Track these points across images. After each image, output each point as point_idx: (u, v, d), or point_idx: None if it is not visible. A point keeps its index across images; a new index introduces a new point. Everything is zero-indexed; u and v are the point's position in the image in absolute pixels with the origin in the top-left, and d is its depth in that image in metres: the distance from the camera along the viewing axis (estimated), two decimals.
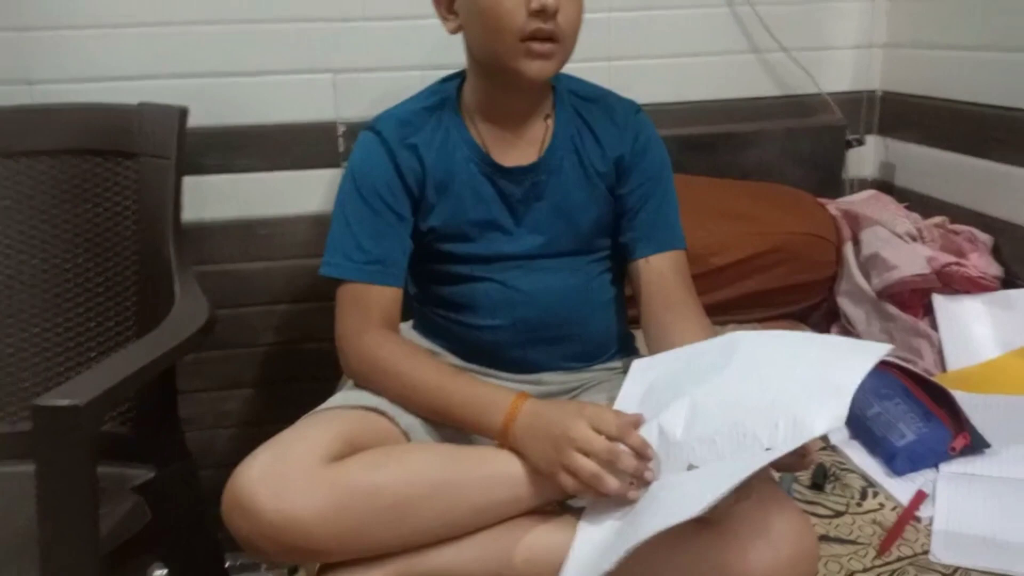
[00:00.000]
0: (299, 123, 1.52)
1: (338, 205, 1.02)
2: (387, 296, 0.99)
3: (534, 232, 1.05)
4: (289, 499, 0.78)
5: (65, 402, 0.84)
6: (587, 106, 1.08)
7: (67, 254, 1.27)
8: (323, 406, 0.96)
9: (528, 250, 1.05)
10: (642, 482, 0.81)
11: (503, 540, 0.84)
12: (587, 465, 0.80)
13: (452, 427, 0.94)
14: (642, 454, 0.81)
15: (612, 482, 0.79)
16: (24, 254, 1.27)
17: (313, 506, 0.79)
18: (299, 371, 1.64)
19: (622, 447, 0.80)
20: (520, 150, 1.04)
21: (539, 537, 0.84)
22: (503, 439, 0.88)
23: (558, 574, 0.81)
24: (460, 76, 1.07)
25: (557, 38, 0.93)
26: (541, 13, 0.91)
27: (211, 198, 1.53)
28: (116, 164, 1.27)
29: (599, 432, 0.81)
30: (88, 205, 1.28)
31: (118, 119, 1.27)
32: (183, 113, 1.27)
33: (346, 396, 0.97)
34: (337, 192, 1.03)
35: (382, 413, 0.92)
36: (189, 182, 1.35)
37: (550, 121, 1.05)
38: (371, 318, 0.98)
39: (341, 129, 1.53)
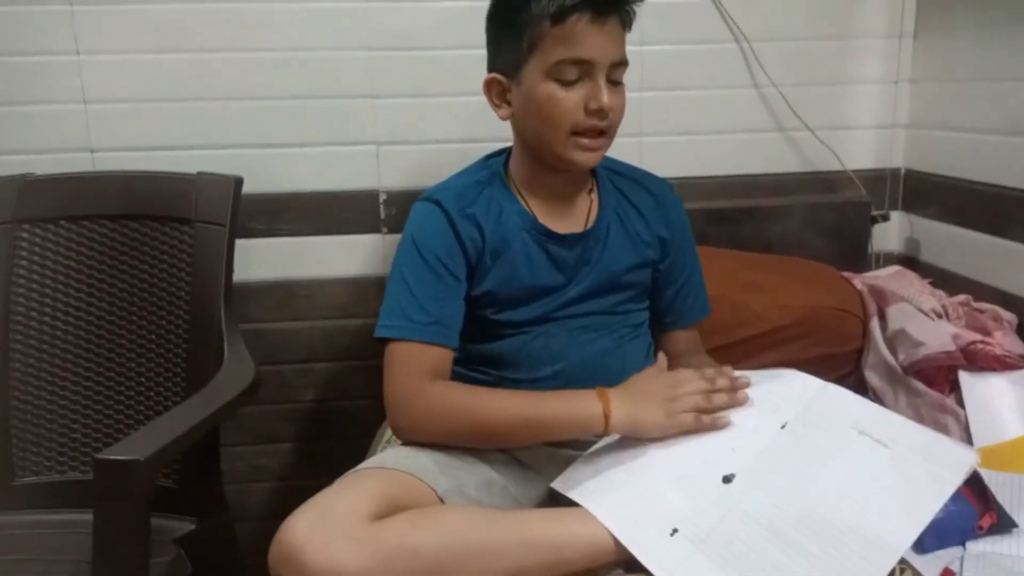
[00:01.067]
0: (343, 191, 1.60)
1: (396, 271, 1.07)
2: (444, 356, 1.04)
3: (579, 294, 1.12)
4: (335, 555, 0.81)
5: (127, 457, 0.89)
6: (625, 182, 1.18)
7: (123, 312, 1.34)
8: (362, 465, 0.99)
9: (572, 311, 1.11)
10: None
11: None
12: (696, 388, 0.97)
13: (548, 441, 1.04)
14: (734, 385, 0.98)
15: (720, 397, 0.97)
16: (82, 311, 1.34)
17: (357, 563, 0.82)
18: (333, 428, 1.68)
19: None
20: (569, 220, 1.12)
21: None
22: (607, 422, 0.97)
23: None
24: (504, 153, 1.16)
25: (606, 133, 1.03)
26: (598, 112, 1.01)
27: (256, 260, 1.61)
28: (173, 229, 1.35)
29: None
30: (144, 267, 1.36)
31: (177, 187, 1.36)
32: (238, 183, 1.35)
33: (384, 458, 1.00)
34: (395, 260, 1.08)
35: (419, 478, 0.95)
36: (237, 244, 1.42)
37: (593, 195, 1.14)
38: (427, 375, 1.02)
39: (383, 197, 1.61)
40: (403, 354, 1.03)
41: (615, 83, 1.04)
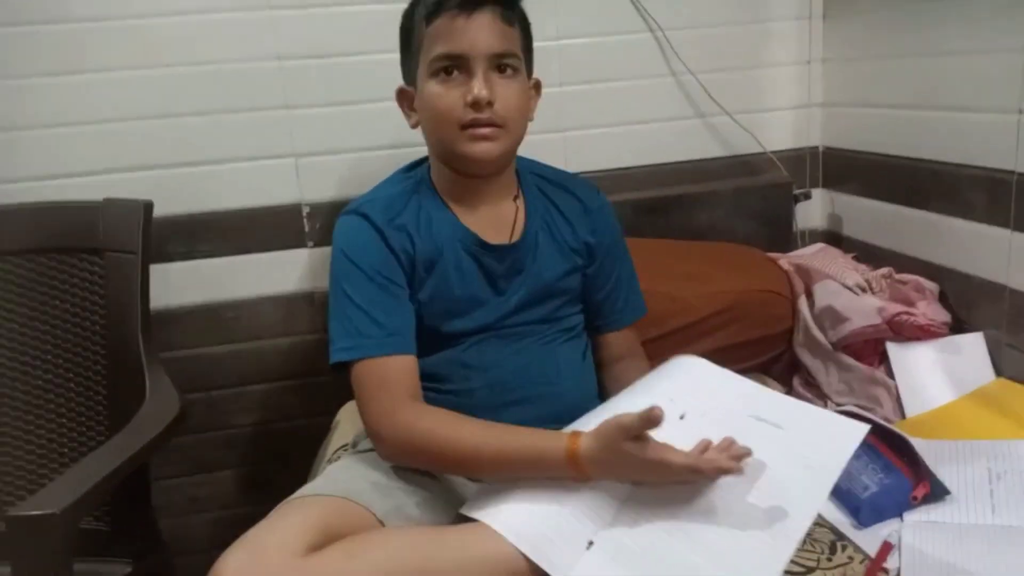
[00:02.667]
0: (263, 207, 1.55)
1: (337, 290, 1.04)
2: (408, 365, 1.02)
3: (512, 304, 1.10)
4: None
5: (39, 512, 0.84)
6: (552, 188, 1.17)
7: (36, 351, 1.27)
8: (297, 494, 0.96)
9: (505, 321, 1.10)
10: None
11: None
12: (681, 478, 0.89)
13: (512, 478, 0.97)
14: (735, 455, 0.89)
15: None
16: None
17: None
18: (272, 451, 1.64)
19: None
20: (496, 230, 1.10)
21: None
22: (575, 470, 0.91)
23: None
24: (425, 161, 1.14)
25: (497, 123, 1.02)
26: (475, 104, 1.00)
27: (177, 284, 1.55)
28: (81, 260, 1.29)
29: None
30: (55, 302, 1.29)
31: (83, 216, 1.29)
32: (148, 207, 1.30)
33: (320, 484, 0.98)
34: (332, 280, 1.05)
35: (356, 502, 0.93)
36: (155, 270, 1.37)
37: (519, 202, 1.12)
38: (399, 393, 0.99)
39: (306, 210, 1.57)
40: (368, 375, 1.00)
41: (505, 76, 1.03)
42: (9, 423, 1.26)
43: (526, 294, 1.11)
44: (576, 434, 0.92)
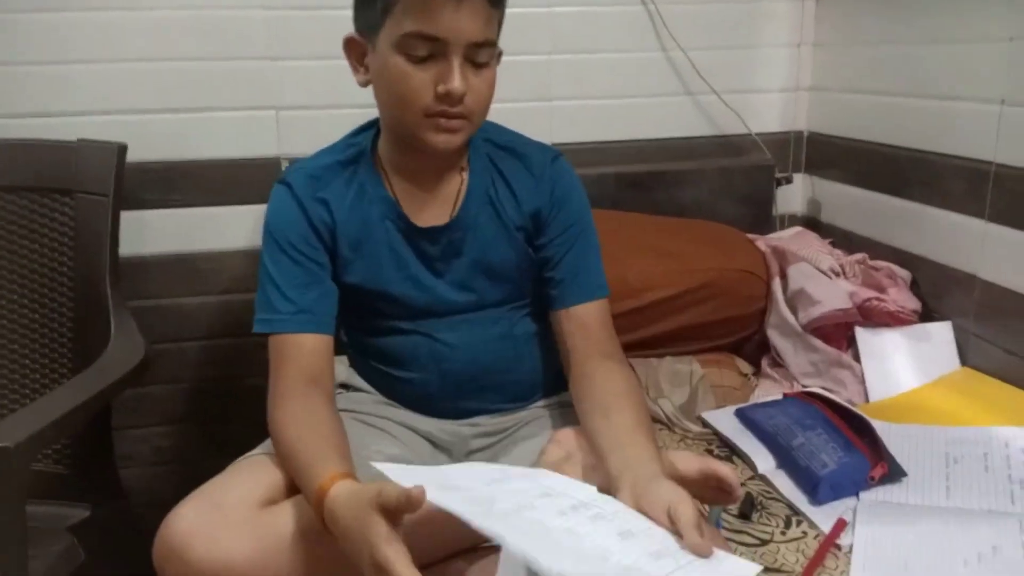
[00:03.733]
0: (242, 159, 1.53)
1: (261, 262, 1.01)
2: (317, 344, 0.98)
3: (455, 287, 1.05)
4: (224, 545, 0.79)
5: None
6: (502, 155, 1.06)
7: (2, 290, 1.25)
8: (252, 452, 0.96)
9: (449, 305, 1.05)
10: None
11: None
12: None
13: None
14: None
15: None
16: None
17: (245, 552, 0.80)
18: (237, 407, 1.63)
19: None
20: (434, 208, 1.03)
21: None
22: (318, 512, 0.79)
23: None
24: (375, 126, 1.06)
25: (464, 115, 0.93)
26: (447, 96, 0.90)
27: (150, 233, 1.53)
28: (53, 201, 1.27)
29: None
30: (24, 241, 1.27)
31: (56, 156, 1.27)
32: (122, 150, 1.27)
33: None
34: (261, 250, 1.02)
35: None
36: (128, 216, 1.35)
37: (465, 174, 1.04)
38: (295, 375, 0.95)
39: (284, 164, 1.55)
40: (277, 349, 0.97)
41: (479, 65, 0.92)
42: None
43: (467, 275, 1.04)
44: (342, 476, 0.79)
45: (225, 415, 1.63)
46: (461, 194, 1.03)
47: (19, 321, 1.26)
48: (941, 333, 1.36)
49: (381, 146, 1.04)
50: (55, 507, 1.16)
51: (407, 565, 0.68)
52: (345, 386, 1.14)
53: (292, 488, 0.87)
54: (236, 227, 1.56)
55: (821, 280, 1.40)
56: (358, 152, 1.04)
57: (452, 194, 1.04)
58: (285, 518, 0.83)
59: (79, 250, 1.26)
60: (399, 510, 0.69)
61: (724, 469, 0.82)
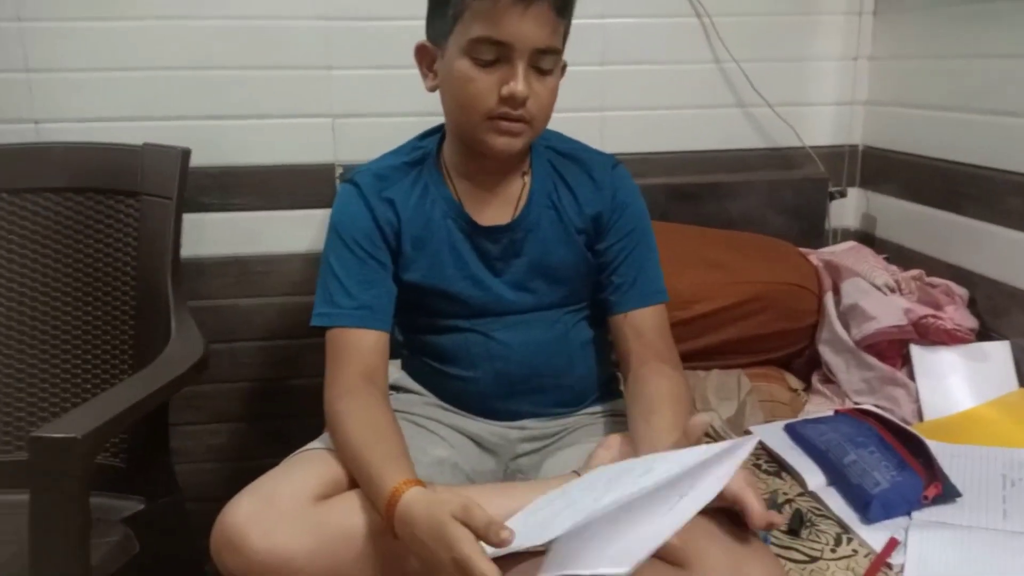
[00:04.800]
0: (298, 164, 1.57)
1: (324, 258, 1.04)
2: (374, 341, 1.00)
3: (513, 287, 1.06)
4: (279, 538, 0.81)
5: (61, 435, 0.86)
6: (564, 162, 1.08)
7: (67, 288, 1.30)
8: (308, 447, 0.98)
9: (507, 305, 1.06)
10: None
11: None
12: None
13: None
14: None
15: None
16: (25, 287, 1.30)
17: (301, 545, 0.81)
18: (288, 407, 1.67)
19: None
20: (497, 208, 1.05)
21: None
22: (387, 514, 0.81)
23: None
24: (440, 131, 1.09)
25: (526, 120, 0.95)
26: (511, 99, 0.93)
27: (209, 235, 1.57)
28: (118, 202, 1.31)
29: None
30: (90, 241, 1.32)
31: (123, 159, 1.31)
32: (185, 154, 1.31)
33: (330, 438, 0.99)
34: (323, 247, 1.05)
35: None
36: (188, 219, 1.40)
37: (527, 178, 1.07)
38: (352, 371, 0.97)
39: (339, 171, 1.58)
40: (332, 344, 1.00)
41: (543, 72, 0.95)
42: (36, 355, 1.29)
43: (526, 276, 1.06)
44: (414, 482, 0.81)
45: (276, 414, 1.67)
46: (523, 196, 1.06)
47: (83, 318, 1.31)
48: (999, 353, 1.33)
49: (446, 149, 1.07)
50: (112, 499, 1.20)
51: (487, 561, 0.71)
52: (395, 388, 1.16)
53: (349, 482, 0.89)
54: (291, 232, 1.60)
55: (876, 296, 1.38)
56: (424, 154, 1.07)
57: (514, 196, 1.06)
58: (342, 513, 0.85)
59: (142, 250, 1.30)
60: (479, 535, 0.73)
61: (754, 507, 0.80)
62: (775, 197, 1.65)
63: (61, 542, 0.88)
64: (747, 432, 1.29)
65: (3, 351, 1.28)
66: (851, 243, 1.62)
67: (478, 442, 1.09)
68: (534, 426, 1.10)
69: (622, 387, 1.15)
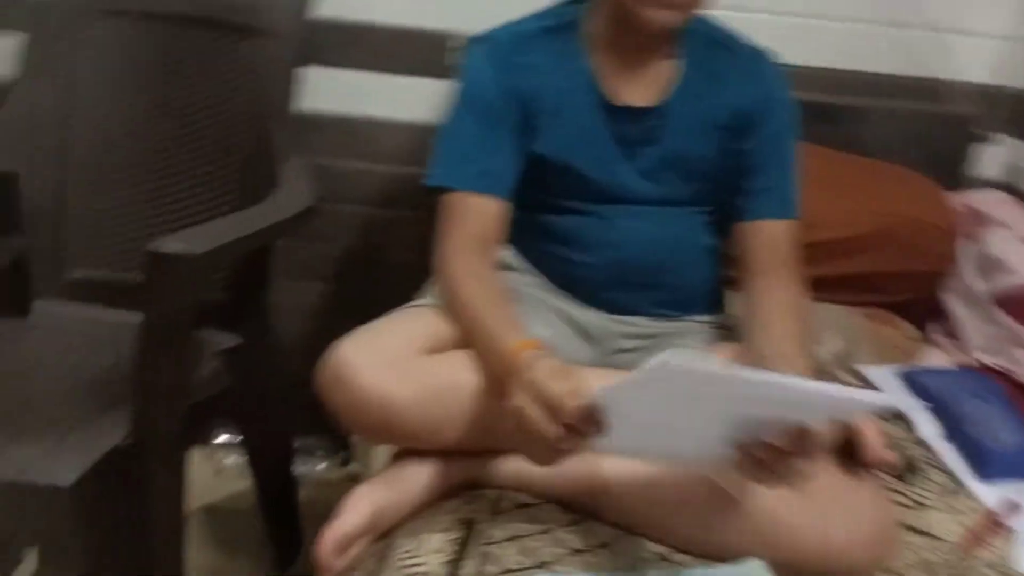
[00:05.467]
0: (412, 28, 1.49)
1: (447, 118, 1.00)
2: (493, 209, 0.97)
3: (642, 175, 1.02)
4: (388, 381, 0.82)
5: (182, 249, 0.85)
6: (719, 51, 1.02)
7: (184, 118, 1.28)
8: (420, 300, 0.99)
9: (632, 193, 1.02)
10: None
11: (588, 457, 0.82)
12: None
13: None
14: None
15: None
16: (144, 110, 1.28)
17: (404, 390, 0.82)
18: (378, 277, 1.64)
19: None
20: (639, 89, 1.00)
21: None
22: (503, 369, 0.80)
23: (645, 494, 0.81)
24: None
25: None
26: None
27: (318, 91, 1.52)
28: (237, 39, 1.26)
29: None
30: (208, 72, 1.28)
31: None
32: None
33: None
34: (448, 104, 1.00)
35: None
36: (304, 72, 1.34)
37: (676, 62, 1.00)
38: (469, 237, 0.95)
39: (453, 42, 1.50)
40: (450, 207, 0.97)
41: None
42: (148, 179, 1.28)
43: (657, 167, 1.01)
44: (536, 345, 0.81)
45: (365, 281, 1.65)
46: (669, 81, 1.00)
47: (196, 149, 1.28)
48: None
49: (593, 20, 1.00)
50: (211, 332, 1.18)
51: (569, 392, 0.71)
52: (503, 267, 1.12)
53: (453, 343, 0.88)
54: (399, 98, 1.53)
55: (1021, 250, 1.27)
56: (567, 22, 1.01)
57: (660, 79, 1.00)
58: (448, 367, 0.85)
59: (259, 91, 1.26)
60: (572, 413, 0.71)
61: (871, 441, 0.80)
62: (913, 130, 1.52)
63: (169, 354, 0.89)
64: (855, 371, 1.23)
65: (120, 170, 1.27)
66: (1001, 193, 1.49)
67: (580, 330, 1.06)
68: (639, 323, 1.07)
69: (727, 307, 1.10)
